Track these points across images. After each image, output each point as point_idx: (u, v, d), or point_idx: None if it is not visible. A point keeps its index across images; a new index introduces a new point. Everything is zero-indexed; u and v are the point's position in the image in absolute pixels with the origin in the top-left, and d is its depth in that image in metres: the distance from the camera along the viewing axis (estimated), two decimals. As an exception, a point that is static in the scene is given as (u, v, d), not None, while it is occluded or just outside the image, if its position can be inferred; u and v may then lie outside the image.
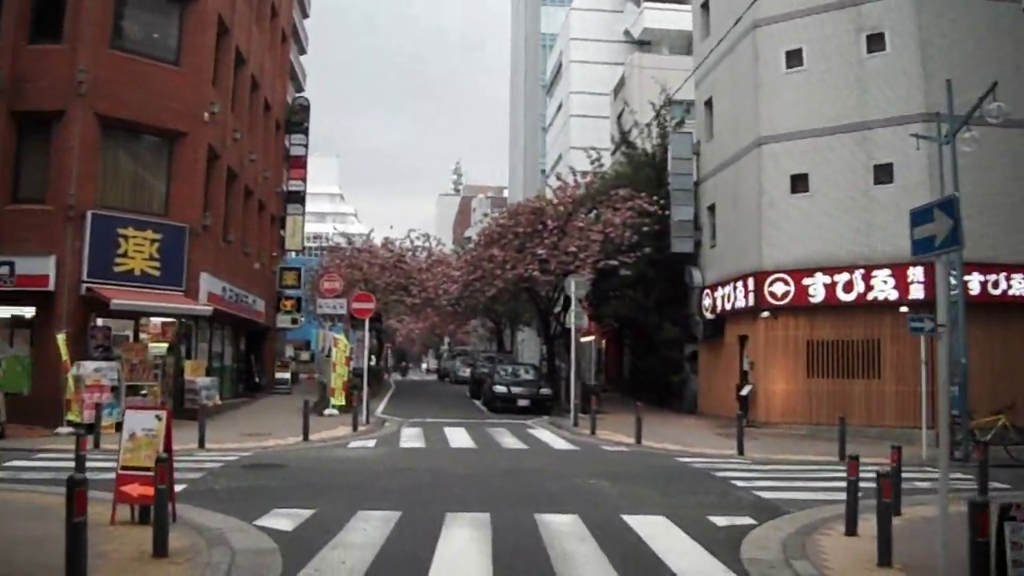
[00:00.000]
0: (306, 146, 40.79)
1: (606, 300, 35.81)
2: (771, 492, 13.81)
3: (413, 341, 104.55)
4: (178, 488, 12.56)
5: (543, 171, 74.23)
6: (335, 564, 8.45)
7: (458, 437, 22.01)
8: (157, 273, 24.30)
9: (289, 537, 9.70)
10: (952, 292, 19.99)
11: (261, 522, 10.47)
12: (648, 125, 36.31)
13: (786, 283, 26.03)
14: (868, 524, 10.42)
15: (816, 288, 25.53)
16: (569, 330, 27.95)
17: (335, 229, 43.57)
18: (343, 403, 27.24)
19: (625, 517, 11.26)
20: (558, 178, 32.94)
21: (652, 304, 34.06)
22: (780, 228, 26.51)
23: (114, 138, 24.43)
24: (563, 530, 10.36)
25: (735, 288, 28.21)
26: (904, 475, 14.18)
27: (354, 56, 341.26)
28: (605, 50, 63.78)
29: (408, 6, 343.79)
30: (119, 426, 14.09)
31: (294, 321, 39.34)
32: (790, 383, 26.19)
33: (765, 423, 25.94)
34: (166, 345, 25.98)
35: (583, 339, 36.29)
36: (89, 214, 22.82)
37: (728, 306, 28.91)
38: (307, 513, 11.08)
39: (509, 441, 21.40)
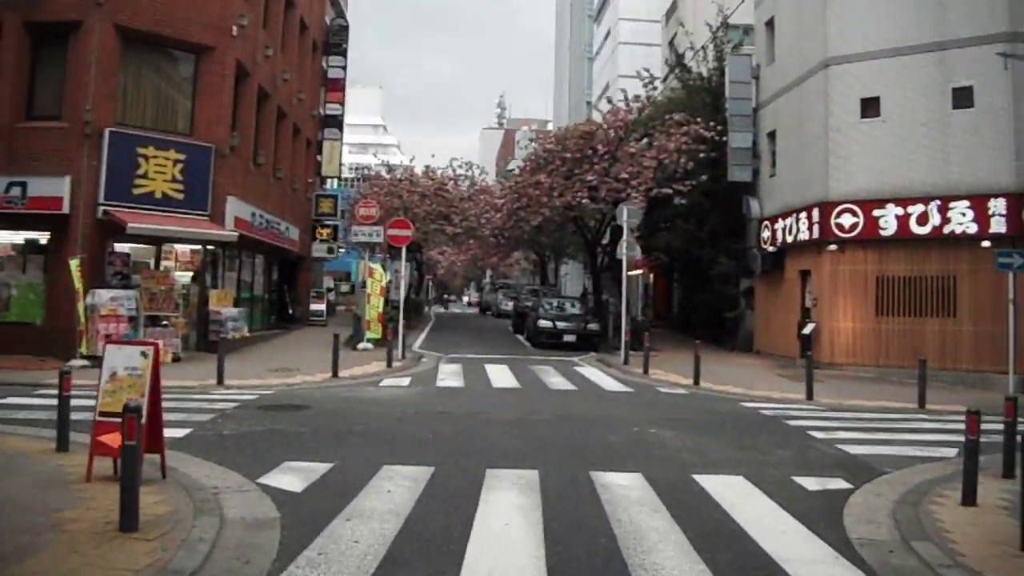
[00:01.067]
0: (344, 68, 38.77)
1: (656, 232, 33.92)
2: (855, 446, 12.01)
3: (455, 274, 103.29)
4: (181, 433, 11.14)
5: (588, 103, 71.76)
6: (346, 545, 6.73)
7: (500, 375, 20.34)
8: (180, 196, 22.79)
9: (296, 501, 8.04)
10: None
11: (267, 479, 8.85)
12: (704, 48, 34.01)
13: (854, 214, 23.96)
14: (985, 491, 8.85)
15: (887, 220, 23.44)
16: (618, 262, 26.16)
17: (377, 159, 41.66)
18: (379, 336, 25.69)
19: (698, 478, 9.54)
20: (609, 102, 30.70)
21: (706, 236, 32.13)
22: (848, 156, 24.36)
23: (135, 52, 22.76)
24: (628, 495, 8.63)
25: (797, 219, 26.17)
26: (983, 424, 12.77)
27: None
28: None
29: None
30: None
31: (330, 251, 37.62)
32: (857, 321, 24.22)
33: (829, 364, 24.08)
34: (190, 274, 24.57)
35: (631, 273, 34.57)
36: (107, 132, 21.32)
37: (790, 239, 26.88)
38: (323, 468, 9.46)
39: (556, 381, 19.65)
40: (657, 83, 30.68)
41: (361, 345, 25.91)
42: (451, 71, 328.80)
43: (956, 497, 8.88)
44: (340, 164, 39.32)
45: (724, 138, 29.42)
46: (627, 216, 24.83)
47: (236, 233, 23.72)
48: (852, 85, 24.47)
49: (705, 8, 36.61)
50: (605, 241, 34.20)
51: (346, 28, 39.38)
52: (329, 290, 52.73)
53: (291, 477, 8.99)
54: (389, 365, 21.21)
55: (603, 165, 28.19)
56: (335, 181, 43.90)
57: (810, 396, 17.78)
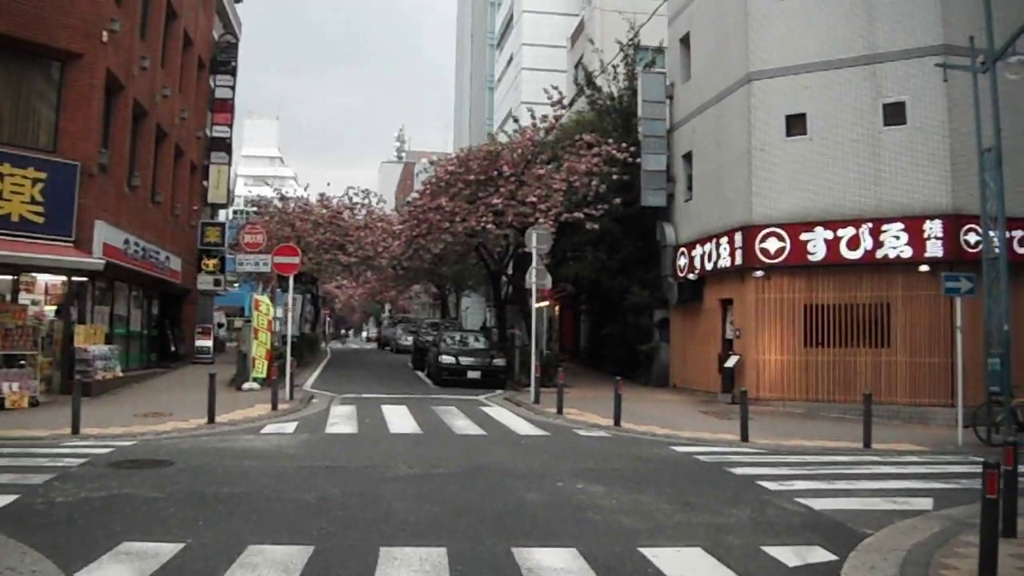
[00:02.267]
0: (233, 88, 36.33)
1: (564, 261, 32.26)
2: (816, 499, 10.33)
3: (353, 309, 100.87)
4: (3, 501, 8.90)
5: (490, 133, 70.35)
6: None
7: (399, 418, 18.22)
8: (40, 220, 20.37)
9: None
10: (994, 249, 16.79)
11: (91, 571, 6.72)
12: (614, 67, 32.64)
13: (780, 238, 22.63)
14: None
15: (816, 244, 22.15)
16: (524, 293, 24.45)
17: (273, 191, 39.37)
18: (264, 375, 23.40)
19: (647, 552, 7.69)
20: (515, 121, 28.85)
21: (617, 265, 30.64)
22: (773, 176, 23.08)
23: (-11, 57, 20.37)
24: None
25: (718, 245, 24.79)
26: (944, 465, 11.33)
27: (290, 21, 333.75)
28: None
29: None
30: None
31: (217, 283, 34.92)
32: (784, 353, 22.85)
33: (756, 399, 22.54)
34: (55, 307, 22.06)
35: (536, 304, 32.97)
36: (-49, 146, 18.78)
37: (709, 266, 25.48)
38: (169, 551, 7.32)
39: (462, 424, 17.62)
40: (565, 102, 29.00)
41: (247, 385, 23.60)
42: (351, 104, 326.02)
43: (967, 568, 7.21)
44: (229, 190, 36.77)
45: (637, 159, 27.97)
46: (536, 241, 23.08)
47: (101, 261, 21.21)
48: (776, 101, 23.27)
49: (614, 26, 35.36)
50: (511, 271, 32.43)
51: (235, 45, 36.99)
52: (220, 326, 49.96)
53: (123, 568, 6.86)
54: (274, 408, 18.96)
55: (509, 188, 26.42)
56: (226, 211, 41.39)
57: (745, 437, 16.18)
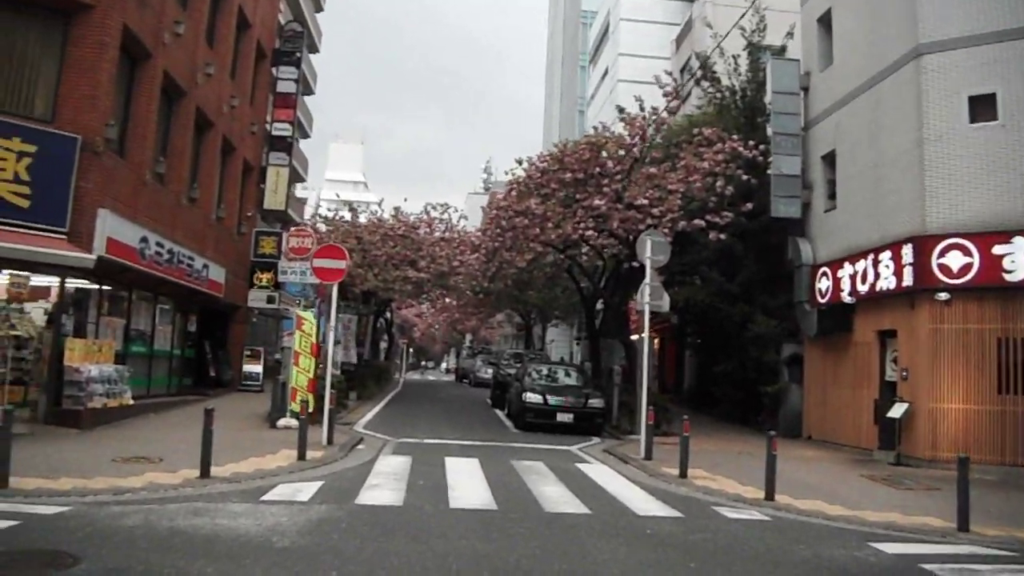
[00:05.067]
0: (297, 81, 31.85)
1: (669, 285, 26.99)
2: None
3: (434, 339, 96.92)
4: None
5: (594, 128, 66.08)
6: None
7: (466, 480, 13.07)
8: (24, 203, 16.03)
9: None
10: None
11: None
12: (735, 56, 27.46)
13: (965, 252, 17.36)
14: None
15: (1015, 259, 16.87)
16: (625, 319, 19.39)
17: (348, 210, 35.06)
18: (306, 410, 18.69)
19: None
20: (621, 111, 23.62)
21: (738, 289, 25.45)
22: (953, 173, 17.82)
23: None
24: None
25: (876, 263, 19.52)
26: None
27: (383, 57, 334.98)
28: (660, 8, 55.00)
29: (438, 10, 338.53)
30: None
31: (270, 300, 30.27)
32: (970, 402, 17.41)
33: (931, 460, 17.38)
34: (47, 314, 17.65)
35: (632, 336, 27.95)
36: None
37: (863, 288, 20.19)
38: None
39: (553, 493, 12.33)
40: (682, 91, 23.91)
41: (282, 422, 18.93)
42: (435, 136, 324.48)
43: None
44: (288, 196, 32.17)
45: (768, 158, 22.84)
46: (650, 250, 17.96)
47: (91, 257, 16.55)
48: (955, 79, 18.08)
49: (729, 22, 30.21)
50: (609, 293, 27.35)
51: (301, 34, 32.56)
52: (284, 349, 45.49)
53: None
54: (301, 457, 14.11)
55: (615, 188, 21.33)
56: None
57: (965, 525, 10.89)
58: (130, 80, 19.72)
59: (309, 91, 52.83)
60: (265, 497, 10.77)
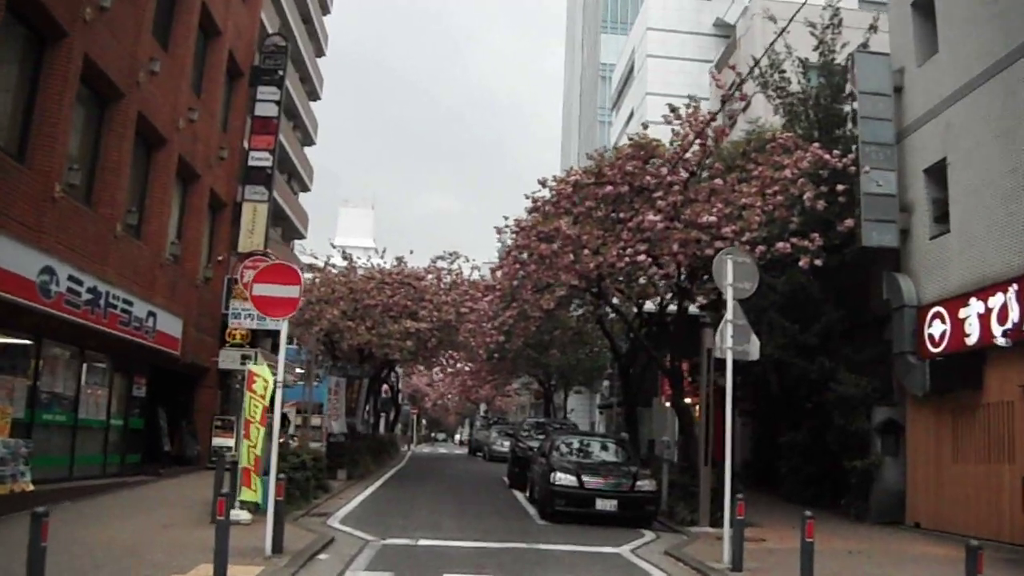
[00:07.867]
0: (279, 103, 27.07)
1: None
2: None
3: (447, 409, 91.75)
4: None
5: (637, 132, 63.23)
6: None
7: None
8: None
9: None
10: None
11: None
12: (802, 60, 22.64)
13: None
14: None
15: None
16: (677, 378, 14.49)
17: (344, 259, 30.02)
18: (255, 498, 13.61)
19: None
20: (673, 110, 18.53)
21: (815, 340, 20.35)
22: None
23: None
24: None
25: (1020, 295, 14.48)
26: None
27: (381, 123, 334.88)
28: (692, 43, 50.92)
29: (454, 68, 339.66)
30: None
31: (244, 359, 24.97)
32: None
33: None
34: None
35: (687, 400, 23.06)
36: None
37: (998, 332, 15.10)
38: None
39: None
40: (747, 92, 18.89)
41: (234, 513, 13.74)
42: (451, 205, 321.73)
43: None
44: (267, 238, 27.09)
45: (854, 167, 17.97)
46: (732, 275, 12.85)
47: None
48: None
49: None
50: (653, 345, 22.23)
51: (283, 49, 27.82)
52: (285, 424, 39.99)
53: None
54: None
55: (672, 200, 16.24)
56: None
57: None
58: (36, 64, 15.02)
59: (310, 141, 48.70)
60: None
